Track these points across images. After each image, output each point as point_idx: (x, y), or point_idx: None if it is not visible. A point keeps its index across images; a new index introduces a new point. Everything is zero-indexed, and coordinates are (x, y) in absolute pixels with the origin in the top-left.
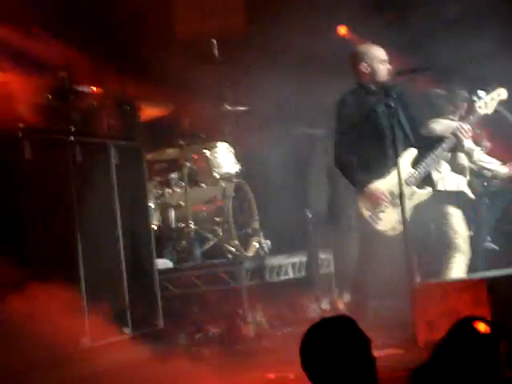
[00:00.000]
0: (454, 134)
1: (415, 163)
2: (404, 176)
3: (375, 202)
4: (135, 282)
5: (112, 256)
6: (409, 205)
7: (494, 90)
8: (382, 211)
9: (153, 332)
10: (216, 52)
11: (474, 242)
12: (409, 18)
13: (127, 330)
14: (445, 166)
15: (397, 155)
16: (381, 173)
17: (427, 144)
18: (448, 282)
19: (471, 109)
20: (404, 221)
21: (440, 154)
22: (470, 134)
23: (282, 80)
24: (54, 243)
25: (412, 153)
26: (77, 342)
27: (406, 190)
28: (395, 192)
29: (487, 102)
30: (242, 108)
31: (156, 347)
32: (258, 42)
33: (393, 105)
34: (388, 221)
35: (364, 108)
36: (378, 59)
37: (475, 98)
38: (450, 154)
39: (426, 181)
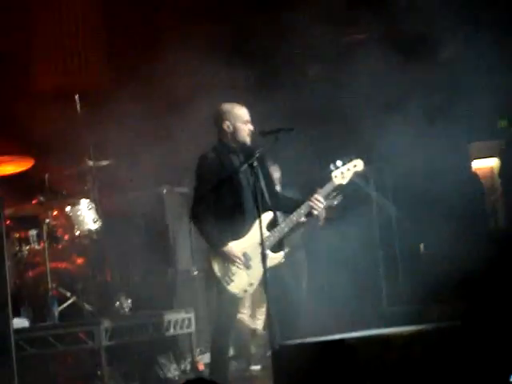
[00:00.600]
0: (309, 202)
1: (270, 226)
2: (258, 239)
3: (230, 263)
4: None
5: None
6: (261, 267)
7: (350, 160)
8: (234, 273)
9: None
10: (78, 107)
11: None
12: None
13: None
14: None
15: (257, 216)
16: (237, 234)
17: (284, 207)
18: (307, 344)
19: (328, 177)
20: (266, 283)
21: (296, 219)
22: (321, 205)
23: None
24: None
25: (268, 216)
26: None
27: (259, 253)
28: (249, 254)
29: (343, 171)
30: (104, 163)
31: None
32: (120, 95)
33: (255, 164)
34: (239, 282)
35: (225, 166)
36: (241, 119)
37: (332, 167)
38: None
39: (279, 245)
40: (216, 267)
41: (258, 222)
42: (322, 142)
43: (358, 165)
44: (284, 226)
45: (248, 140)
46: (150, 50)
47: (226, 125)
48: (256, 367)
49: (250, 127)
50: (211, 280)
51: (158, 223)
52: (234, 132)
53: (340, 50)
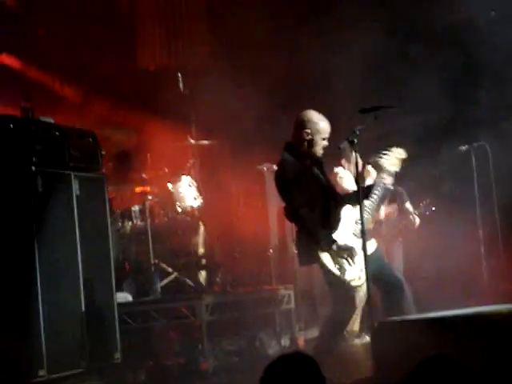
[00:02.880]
0: (381, 183)
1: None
2: (351, 230)
3: (341, 253)
4: (94, 314)
5: (71, 288)
6: (360, 255)
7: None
8: (344, 263)
9: (110, 366)
10: (181, 85)
11: None
12: None
13: (84, 363)
14: None
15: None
16: (334, 228)
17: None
18: (407, 321)
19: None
20: (366, 267)
21: (374, 202)
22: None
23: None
24: (12, 273)
25: (348, 209)
26: (34, 373)
27: (356, 243)
28: (348, 244)
29: (392, 160)
30: (206, 142)
31: (113, 381)
32: (222, 75)
33: (355, 142)
34: (352, 270)
35: (302, 169)
36: (322, 134)
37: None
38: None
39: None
40: (327, 262)
41: (343, 215)
42: None
43: (401, 153)
44: (367, 212)
45: (320, 153)
46: (250, 34)
47: (306, 133)
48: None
49: (326, 143)
50: (326, 275)
51: (258, 200)
52: (311, 142)
53: None
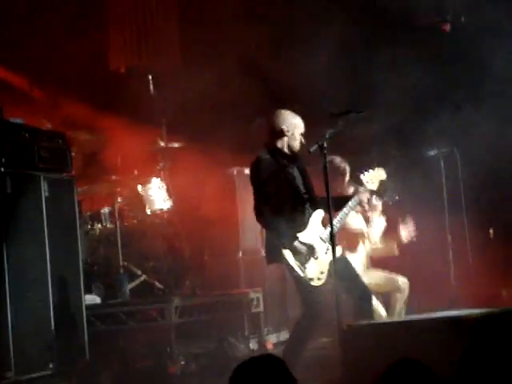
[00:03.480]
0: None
1: (323, 222)
2: (319, 233)
3: (303, 253)
4: (62, 316)
5: (39, 289)
6: (327, 259)
7: (374, 168)
8: (306, 262)
9: (78, 368)
10: (151, 87)
11: None
12: None
13: (52, 365)
14: None
15: (312, 212)
16: (299, 229)
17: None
18: (376, 324)
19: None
20: (332, 267)
21: (348, 212)
22: (367, 198)
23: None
24: None
25: (320, 213)
26: (1, 375)
27: (322, 247)
28: (315, 245)
29: (372, 178)
30: (176, 144)
31: (81, 383)
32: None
33: (325, 146)
34: (312, 271)
35: (279, 167)
36: (299, 129)
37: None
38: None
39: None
40: (289, 258)
41: (313, 217)
42: None
43: (381, 174)
44: (338, 219)
45: (298, 149)
46: (221, 32)
47: (286, 128)
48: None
49: (303, 140)
50: (289, 270)
51: (228, 204)
52: (290, 138)
53: None
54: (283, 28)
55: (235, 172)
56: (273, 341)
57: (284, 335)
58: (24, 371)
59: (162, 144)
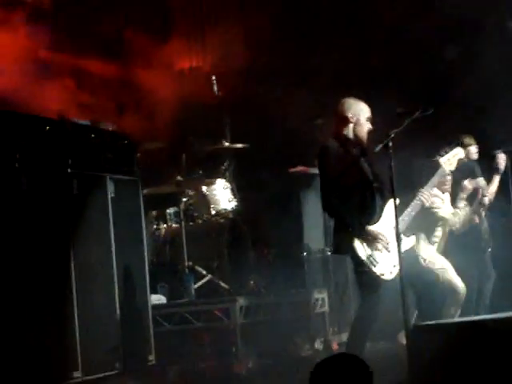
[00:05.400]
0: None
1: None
2: (391, 224)
3: (373, 243)
4: (128, 316)
5: (106, 290)
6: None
7: (453, 148)
8: (378, 255)
9: (145, 367)
10: (215, 88)
11: None
12: None
13: (119, 365)
14: None
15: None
16: (372, 218)
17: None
18: (443, 324)
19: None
20: (400, 263)
21: (415, 207)
22: (431, 199)
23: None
24: (48, 275)
25: (392, 204)
26: (69, 375)
27: (395, 238)
28: (388, 237)
29: (450, 158)
30: (240, 145)
31: (147, 383)
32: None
33: (390, 145)
34: (384, 264)
35: (346, 156)
36: (365, 115)
37: (438, 156)
38: None
39: (410, 229)
40: (359, 251)
41: (387, 207)
42: None
43: (459, 153)
44: (410, 210)
45: (366, 137)
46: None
47: (350, 115)
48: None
49: (370, 126)
50: (356, 265)
51: (292, 203)
52: (356, 125)
53: None
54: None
55: (298, 171)
56: (338, 341)
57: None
58: (91, 371)
59: (227, 144)
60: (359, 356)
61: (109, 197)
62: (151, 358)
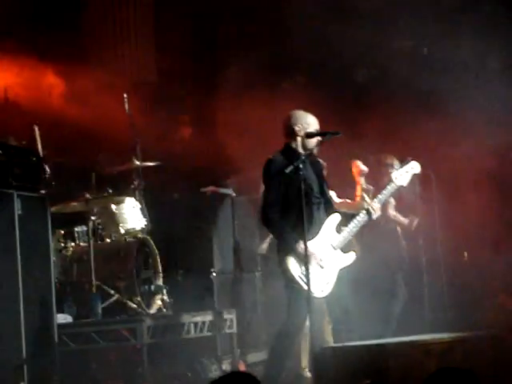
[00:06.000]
0: (367, 210)
1: (339, 228)
2: (330, 240)
3: (305, 263)
4: (34, 335)
5: (11, 308)
6: (336, 268)
7: (408, 162)
8: (312, 270)
9: None
10: (127, 106)
11: None
12: None
13: None
14: None
15: (322, 218)
16: (308, 234)
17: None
18: (349, 347)
19: (389, 179)
20: (309, 288)
21: (360, 221)
22: (379, 212)
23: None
24: None
25: (336, 217)
26: None
27: (332, 255)
28: (322, 254)
29: (402, 173)
30: (151, 163)
31: None
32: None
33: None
34: (316, 281)
35: (292, 169)
36: (312, 127)
37: (390, 169)
38: None
39: (350, 245)
40: (292, 267)
41: (326, 223)
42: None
43: (415, 167)
44: (353, 226)
45: (315, 149)
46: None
47: (298, 128)
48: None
49: (320, 138)
50: (287, 280)
51: (201, 224)
52: (303, 138)
53: None
54: None
55: (209, 192)
56: (245, 362)
57: (256, 357)
58: None
59: (137, 162)
60: (277, 376)
61: (16, 214)
62: (56, 377)
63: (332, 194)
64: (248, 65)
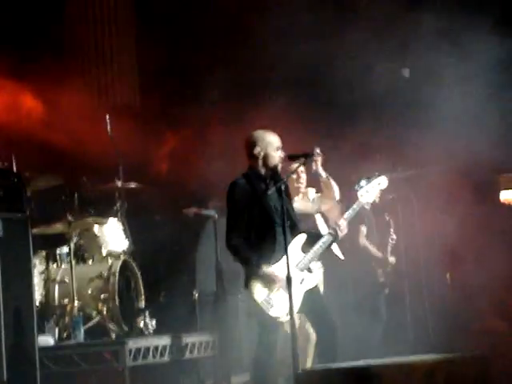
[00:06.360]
0: (333, 229)
1: (305, 248)
2: (295, 261)
3: (271, 284)
4: (15, 358)
5: None
6: (301, 289)
7: (375, 178)
8: (275, 297)
9: None
10: (109, 128)
11: None
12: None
13: None
14: None
15: (286, 241)
16: (272, 258)
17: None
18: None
19: (355, 197)
20: (291, 307)
21: (326, 242)
22: (345, 230)
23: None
24: None
25: (302, 238)
26: None
27: (298, 275)
28: (288, 277)
29: (368, 190)
30: (133, 185)
31: None
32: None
33: (283, 188)
34: (281, 306)
35: (254, 192)
36: (273, 146)
37: (357, 187)
38: None
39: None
40: (256, 292)
41: (291, 245)
42: None
43: (382, 182)
44: (318, 247)
45: (279, 166)
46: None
47: (257, 150)
48: None
49: (281, 154)
50: (252, 305)
51: (184, 246)
52: (265, 158)
53: None
54: None
55: (190, 214)
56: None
57: (238, 379)
58: None
59: (119, 184)
60: None
61: None
62: None
63: (311, 190)
64: (231, 86)
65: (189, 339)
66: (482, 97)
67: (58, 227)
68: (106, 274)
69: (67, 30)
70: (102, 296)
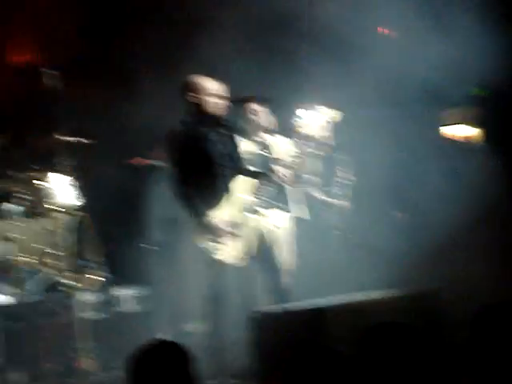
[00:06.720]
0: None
1: (255, 189)
2: (244, 204)
3: (217, 233)
4: None
5: None
6: (254, 233)
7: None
8: (223, 242)
9: None
10: (49, 81)
11: None
12: None
13: None
14: None
15: (228, 185)
16: (219, 203)
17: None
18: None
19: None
20: (238, 251)
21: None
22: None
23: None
24: None
25: (248, 182)
26: None
27: (245, 219)
28: (235, 221)
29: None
30: (74, 139)
31: None
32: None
33: (226, 132)
34: (233, 252)
35: (194, 138)
36: (207, 91)
37: (295, 119)
38: None
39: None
40: (203, 239)
41: (238, 188)
42: None
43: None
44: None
45: (215, 112)
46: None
47: (189, 96)
48: None
49: (218, 100)
50: (201, 252)
51: (132, 197)
52: (200, 104)
53: None
54: None
55: (138, 164)
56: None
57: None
58: None
59: (66, 138)
60: (219, 342)
61: None
62: None
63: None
64: None
65: (143, 291)
66: None
67: (1, 183)
68: (53, 229)
69: None
70: (52, 250)
